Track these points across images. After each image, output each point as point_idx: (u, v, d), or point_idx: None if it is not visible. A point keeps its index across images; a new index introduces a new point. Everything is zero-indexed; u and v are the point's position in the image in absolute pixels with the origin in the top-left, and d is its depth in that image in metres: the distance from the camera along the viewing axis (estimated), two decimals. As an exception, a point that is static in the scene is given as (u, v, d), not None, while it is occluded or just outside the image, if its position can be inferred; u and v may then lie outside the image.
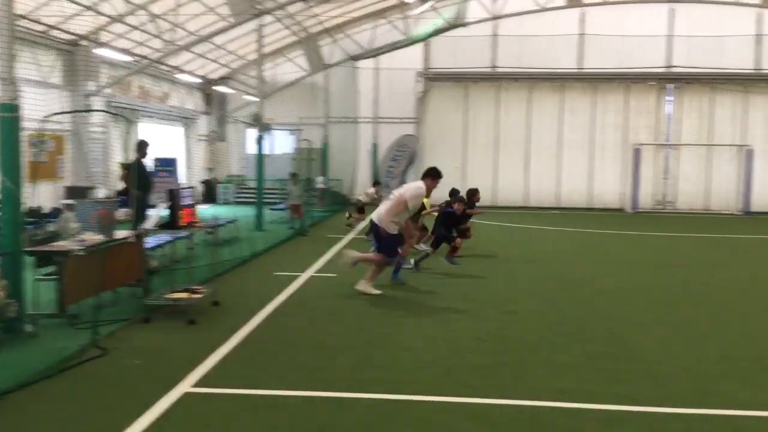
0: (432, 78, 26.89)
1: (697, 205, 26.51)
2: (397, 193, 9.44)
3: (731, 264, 13.23)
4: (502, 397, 5.35)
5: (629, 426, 4.85)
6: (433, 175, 9.61)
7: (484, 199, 26.35)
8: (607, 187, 26.77)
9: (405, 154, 26.85)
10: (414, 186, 9.56)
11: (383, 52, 25.62)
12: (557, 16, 26.49)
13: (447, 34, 24.90)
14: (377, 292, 9.18)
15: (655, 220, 22.72)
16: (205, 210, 18.64)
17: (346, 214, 18.54)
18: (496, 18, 26.41)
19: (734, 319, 8.36)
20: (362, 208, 17.88)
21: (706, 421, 4.99)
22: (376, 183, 19.81)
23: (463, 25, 24.40)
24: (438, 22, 24.15)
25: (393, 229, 9.29)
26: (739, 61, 25.99)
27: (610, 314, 8.38)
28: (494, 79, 26.87)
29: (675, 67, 26.20)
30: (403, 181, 26.84)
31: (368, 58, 25.94)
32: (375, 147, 27.21)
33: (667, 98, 26.54)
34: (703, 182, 26.59)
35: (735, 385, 5.74)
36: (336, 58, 25.20)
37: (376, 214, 9.41)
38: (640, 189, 26.14)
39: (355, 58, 25.67)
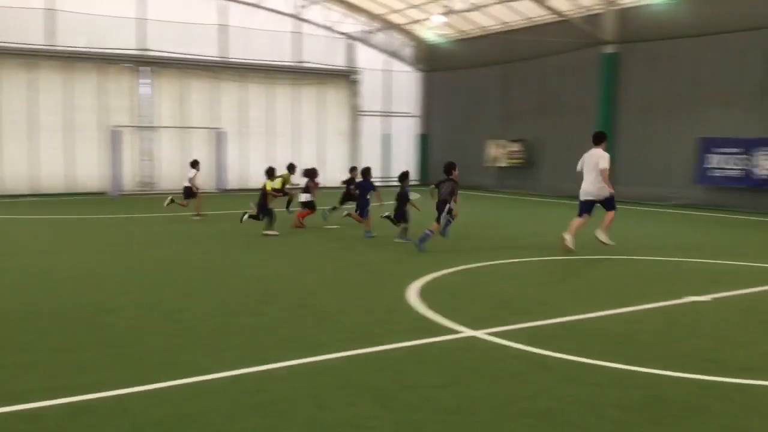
0: None
1: (177, 184, 27.68)
2: (593, 165, 11.91)
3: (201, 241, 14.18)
4: (-55, 415, 4.67)
5: (95, 413, 4.74)
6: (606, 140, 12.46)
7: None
8: (88, 170, 25.89)
9: None
10: (602, 153, 11.93)
11: None
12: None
13: None
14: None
15: (138, 202, 22.94)
16: None
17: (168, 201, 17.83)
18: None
19: (204, 291, 8.95)
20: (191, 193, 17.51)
21: (171, 391, 5.20)
22: (194, 163, 17.86)
23: None
24: None
25: (610, 191, 12.09)
26: (208, 48, 27.95)
27: (84, 302, 8.10)
28: (-53, 50, 23.31)
29: (149, 50, 26.69)
30: None
31: None
32: None
33: (142, 81, 26.88)
34: (181, 162, 27.88)
35: (198, 354, 6.14)
36: None
37: (588, 193, 12.10)
38: (122, 172, 25.98)
39: None
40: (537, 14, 26.28)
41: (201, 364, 5.80)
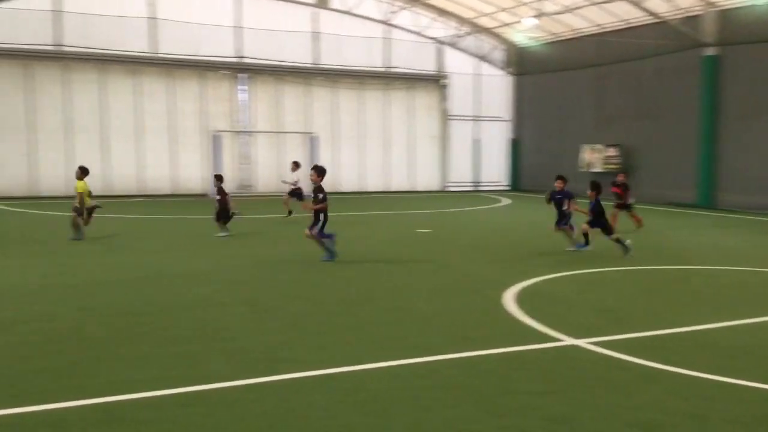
0: (-17, 54, 23.62)
1: (272, 187, 28.49)
2: None
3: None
4: (76, 398, 4.99)
5: (205, 403, 4.96)
6: None
7: (57, 188, 24.38)
8: (190, 172, 27.02)
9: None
10: None
11: None
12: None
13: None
14: None
15: (236, 203, 23.64)
16: None
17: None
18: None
19: (304, 290, 9.16)
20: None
21: (275, 385, 5.37)
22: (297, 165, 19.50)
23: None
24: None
25: None
26: (300, 55, 28.62)
27: (191, 298, 8.46)
28: (60, 58, 24.79)
29: (245, 57, 27.57)
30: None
31: None
32: None
33: (240, 87, 27.81)
34: (276, 166, 28.67)
35: (299, 350, 6.31)
36: None
37: None
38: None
39: None
40: (632, 16, 25.47)
41: (302, 360, 5.96)
